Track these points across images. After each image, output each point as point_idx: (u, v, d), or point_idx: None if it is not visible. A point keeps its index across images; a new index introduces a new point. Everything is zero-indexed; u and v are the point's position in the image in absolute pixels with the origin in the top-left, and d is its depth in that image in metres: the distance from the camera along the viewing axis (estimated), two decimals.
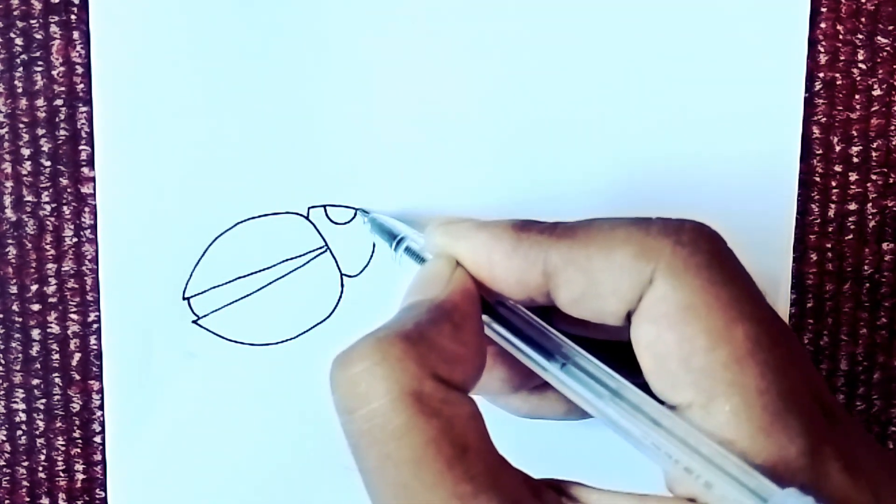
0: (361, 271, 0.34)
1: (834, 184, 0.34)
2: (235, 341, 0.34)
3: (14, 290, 0.34)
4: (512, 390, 0.29)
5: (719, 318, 0.23)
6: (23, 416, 0.34)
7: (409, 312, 0.24)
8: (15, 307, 0.34)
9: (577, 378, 0.24)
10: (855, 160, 0.34)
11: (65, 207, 0.33)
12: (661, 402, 0.23)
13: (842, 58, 0.34)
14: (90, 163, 0.33)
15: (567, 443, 0.34)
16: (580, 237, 0.24)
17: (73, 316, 0.34)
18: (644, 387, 0.24)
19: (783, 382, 0.22)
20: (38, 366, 0.34)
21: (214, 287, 0.33)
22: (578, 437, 0.34)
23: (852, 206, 0.34)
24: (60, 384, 0.34)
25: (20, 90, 0.33)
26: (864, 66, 0.34)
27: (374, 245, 0.33)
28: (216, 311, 0.33)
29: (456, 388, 0.23)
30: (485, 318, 0.26)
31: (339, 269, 0.34)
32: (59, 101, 0.33)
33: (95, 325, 0.34)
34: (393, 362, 0.22)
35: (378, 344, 0.22)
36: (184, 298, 0.33)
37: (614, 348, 0.26)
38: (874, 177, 0.34)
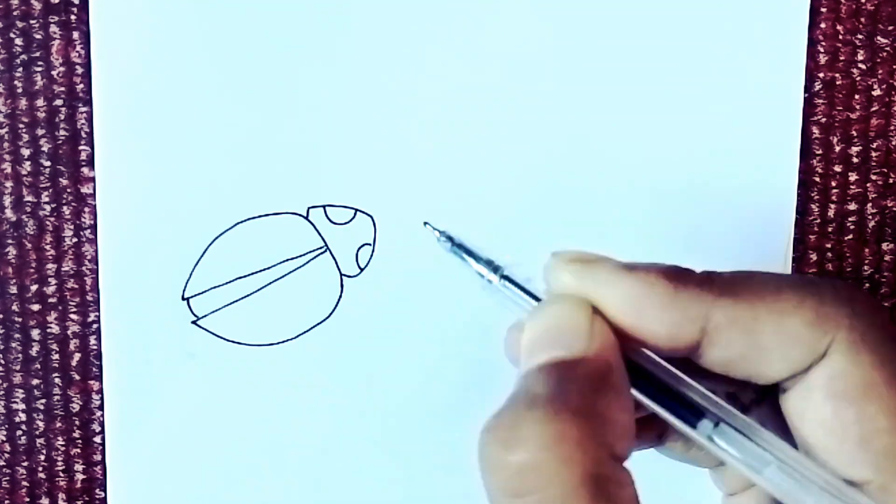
0: (361, 271, 0.34)
1: (834, 184, 0.34)
2: (235, 342, 0.34)
3: (14, 290, 0.34)
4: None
5: None
6: (23, 416, 0.34)
7: (559, 376, 0.22)
8: (15, 307, 0.34)
9: (733, 440, 0.23)
10: (855, 160, 0.34)
11: (65, 207, 0.33)
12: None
13: (842, 58, 0.34)
14: (90, 163, 0.33)
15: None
16: (744, 295, 0.23)
17: (73, 316, 0.34)
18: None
19: None
20: (38, 366, 0.34)
21: (214, 287, 0.33)
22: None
23: (852, 206, 0.34)
24: (60, 384, 0.34)
25: (20, 90, 0.33)
26: (863, 66, 0.34)
27: (373, 245, 0.33)
28: (216, 311, 0.33)
29: (621, 464, 0.21)
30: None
31: (338, 269, 0.34)
32: (59, 101, 0.33)
33: (95, 325, 0.34)
34: (572, 444, 0.20)
35: (550, 422, 0.20)
36: (183, 299, 0.33)
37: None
38: (874, 177, 0.34)
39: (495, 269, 0.25)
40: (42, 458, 0.34)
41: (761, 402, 0.25)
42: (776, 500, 0.26)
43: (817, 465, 0.22)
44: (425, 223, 0.27)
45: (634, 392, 0.23)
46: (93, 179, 0.33)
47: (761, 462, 0.22)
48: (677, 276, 0.23)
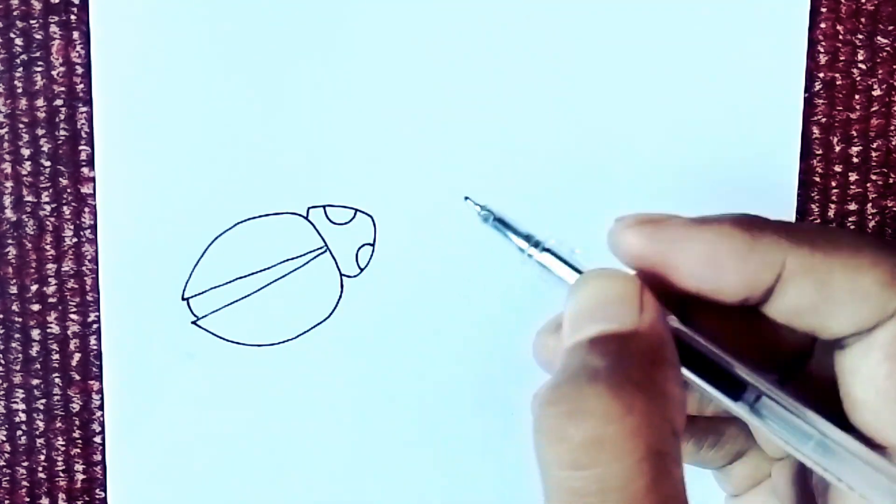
0: (361, 272, 0.34)
1: (834, 184, 0.34)
2: (235, 342, 0.34)
3: (14, 290, 0.34)
4: None
5: None
6: (23, 416, 0.34)
7: (615, 349, 0.21)
8: (15, 307, 0.34)
9: (774, 417, 0.22)
10: (855, 160, 0.34)
11: (65, 207, 0.33)
12: (864, 438, 0.23)
13: (842, 58, 0.34)
14: (90, 163, 0.33)
15: None
16: (822, 246, 0.22)
17: (73, 316, 0.34)
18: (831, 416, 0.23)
19: None
20: (38, 366, 0.34)
21: (214, 288, 0.33)
22: None
23: (852, 206, 0.34)
24: (60, 384, 0.34)
25: (20, 90, 0.33)
26: (863, 67, 0.34)
27: (373, 245, 0.33)
28: (215, 311, 0.33)
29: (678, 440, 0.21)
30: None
31: (338, 269, 0.34)
32: (59, 101, 0.33)
33: (95, 326, 0.34)
34: (640, 418, 0.20)
35: (618, 395, 0.20)
36: (183, 299, 0.33)
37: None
38: (874, 177, 0.34)
39: (536, 243, 0.25)
40: (42, 458, 0.34)
41: (790, 380, 0.25)
42: (780, 500, 0.26)
43: (855, 438, 0.22)
44: (466, 198, 0.26)
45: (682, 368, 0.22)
46: (93, 179, 0.33)
47: (802, 436, 0.22)
48: (754, 225, 0.23)
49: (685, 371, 0.22)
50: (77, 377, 0.34)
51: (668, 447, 0.20)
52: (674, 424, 0.20)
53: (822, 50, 0.33)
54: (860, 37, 0.33)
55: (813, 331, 0.23)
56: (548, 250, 0.25)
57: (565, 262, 0.24)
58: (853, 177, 0.34)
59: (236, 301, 0.33)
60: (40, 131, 0.33)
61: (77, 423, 0.34)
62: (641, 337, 0.21)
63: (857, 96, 0.34)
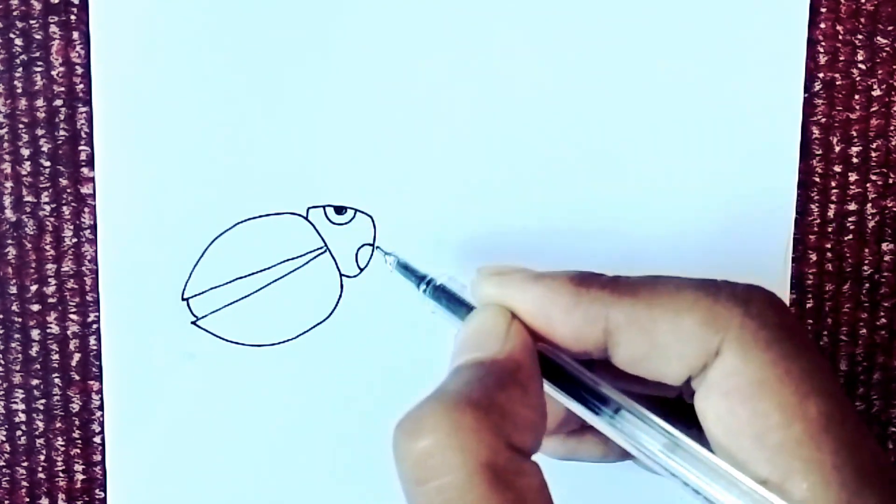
0: (361, 272, 0.34)
1: (833, 184, 0.34)
2: (235, 342, 0.34)
3: (14, 290, 0.34)
4: (547, 435, 0.28)
5: (792, 393, 0.22)
6: (23, 416, 0.34)
7: (470, 373, 0.23)
8: (15, 307, 0.34)
9: (631, 427, 0.24)
10: (854, 160, 0.34)
11: (65, 207, 0.33)
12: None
13: (841, 58, 0.34)
14: (90, 163, 0.33)
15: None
16: (643, 296, 0.24)
17: (73, 316, 0.34)
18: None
19: (857, 458, 0.22)
20: (38, 366, 0.34)
21: (214, 288, 0.33)
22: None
23: (852, 207, 0.34)
24: (60, 384, 0.34)
25: (20, 90, 0.33)
26: (863, 67, 0.34)
27: (373, 245, 0.33)
28: (215, 311, 0.33)
29: (526, 455, 0.22)
30: None
31: (338, 269, 0.34)
32: (58, 102, 0.33)
33: (95, 326, 0.34)
34: (467, 433, 0.21)
35: (449, 413, 0.21)
36: (183, 299, 0.33)
37: (665, 403, 0.25)
38: (874, 177, 0.34)
39: (428, 282, 0.29)
40: (42, 458, 0.34)
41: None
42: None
43: (713, 453, 0.23)
44: (377, 247, 0.32)
45: (547, 386, 0.25)
46: (93, 179, 0.33)
47: (653, 445, 0.23)
48: (581, 281, 0.24)
49: (553, 390, 0.25)
50: (77, 377, 0.34)
51: (503, 460, 0.21)
52: (511, 439, 0.22)
53: (822, 50, 0.33)
54: (860, 37, 0.34)
55: (657, 378, 0.24)
56: (441, 288, 0.28)
57: (459, 301, 0.28)
58: (853, 177, 0.34)
59: (236, 301, 0.33)
60: (40, 131, 0.33)
61: (77, 423, 0.34)
62: (497, 363, 0.23)
63: (856, 96, 0.34)
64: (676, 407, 0.25)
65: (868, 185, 0.34)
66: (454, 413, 0.21)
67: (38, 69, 0.33)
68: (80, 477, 0.34)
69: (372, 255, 0.33)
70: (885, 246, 0.34)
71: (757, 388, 0.22)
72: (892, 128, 0.34)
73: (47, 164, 0.33)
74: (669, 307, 0.23)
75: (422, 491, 0.21)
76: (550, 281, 0.25)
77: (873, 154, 0.34)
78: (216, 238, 0.33)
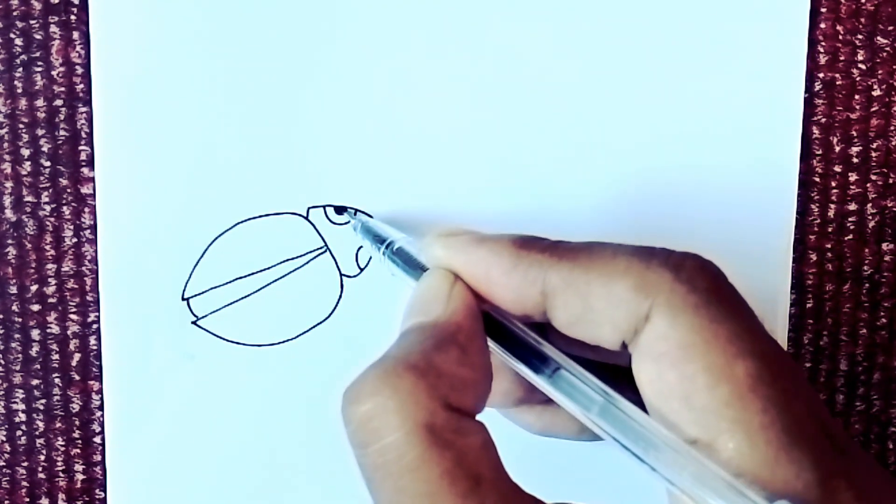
0: (361, 272, 0.34)
1: (834, 184, 0.34)
2: (235, 342, 0.34)
3: (14, 290, 0.34)
4: (515, 403, 0.29)
5: (719, 355, 0.22)
6: (23, 417, 0.34)
7: (412, 337, 0.24)
8: (15, 307, 0.34)
9: (569, 386, 0.24)
10: (855, 160, 0.34)
11: (65, 207, 0.33)
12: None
13: (842, 58, 0.34)
14: (90, 163, 0.33)
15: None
16: (581, 260, 0.24)
17: (73, 316, 0.34)
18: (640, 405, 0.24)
19: (787, 416, 0.22)
20: (38, 366, 0.34)
21: (214, 288, 0.33)
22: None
23: (852, 207, 0.34)
24: (60, 384, 0.34)
25: (20, 90, 0.33)
26: (863, 67, 0.34)
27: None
28: (215, 311, 0.33)
29: (467, 415, 0.23)
30: None
31: (338, 269, 0.34)
32: (58, 102, 0.33)
33: (95, 326, 0.34)
34: (404, 395, 0.22)
35: (387, 377, 0.22)
36: (183, 299, 0.33)
37: (614, 370, 0.25)
38: (874, 177, 0.34)
39: (388, 245, 0.29)
40: (42, 458, 0.34)
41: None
42: None
43: (638, 407, 0.23)
44: (354, 211, 0.32)
45: (491, 344, 0.25)
46: (93, 179, 0.33)
47: (589, 403, 0.24)
48: (521, 244, 0.25)
49: (497, 349, 0.25)
50: (77, 377, 0.34)
51: (441, 420, 0.22)
52: (448, 399, 0.22)
53: (822, 50, 0.33)
54: (860, 37, 0.34)
55: (590, 341, 0.25)
56: (397, 252, 0.29)
57: (409, 260, 0.28)
58: (853, 177, 0.34)
59: (236, 301, 0.33)
60: (40, 131, 0.33)
61: (77, 423, 0.34)
62: (437, 326, 0.24)
63: (856, 96, 0.34)
64: (627, 375, 0.25)
65: (868, 185, 0.34)
66: (392, 376, 0.22)
67: (38, 69, 0.33)
68: (80, 477, 0.34)
69: (371, 257, 0.33)
70: (885, 246, 0.34)
71: (684, 351, 0.23)
72: (892, 128, 0.34)
73: (47, 164, 0.33)
74: (604, 271, 0.24)
75: (365, 454, 0.22)
76: (493, 244, 0.25)
77: (873, 154, 0.34)
78: (216, 238, 0.33)
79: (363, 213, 0.33)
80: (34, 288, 0.34)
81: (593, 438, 0.29)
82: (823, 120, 0.34)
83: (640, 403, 0.24)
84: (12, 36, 0.33)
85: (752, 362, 0.22)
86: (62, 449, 0.34)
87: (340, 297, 0.34)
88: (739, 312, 0.24)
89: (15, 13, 0.33)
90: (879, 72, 0.34)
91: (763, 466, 0.22)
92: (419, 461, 0.21)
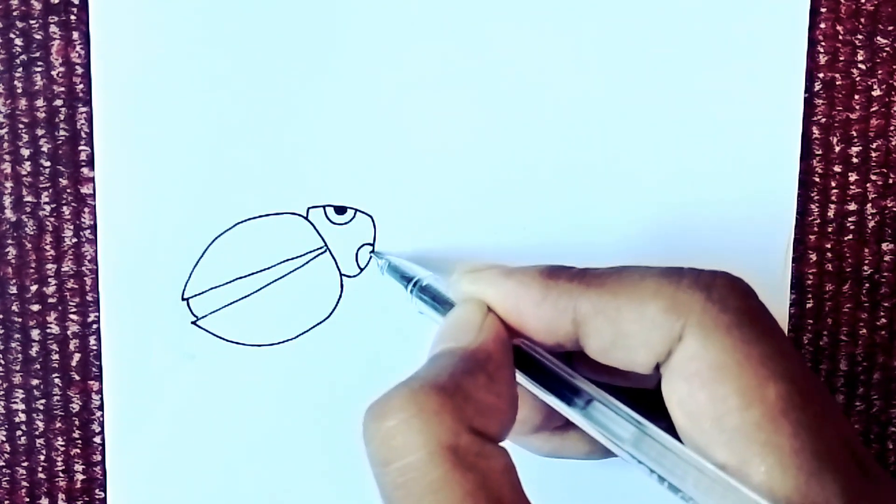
0: (361, 272, 0.34)
1: (834, 184, 0.34)
2: (235, 342, 0.34)
3: (14, 290, 0.34)
4: (532, 430, 0.29)
5: (751, 377, 0.22)
6: (23, 417, 0.34)
7: (441, 361, 0.24)
8: (15, 307, 0.34)
9: (602, 418, 0.24)
10: (854, 160, 0.34)
11: (65, 207, 0.33)
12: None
13: (841, 58, 0.34)
14: (90, 163, 0.33)
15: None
16: (609, 286, 0.24)
17: (73, 316, 0.34)
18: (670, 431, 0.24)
19: (818, 440, 0.22)
20: (38, 366, 0.34)
21: (214, 288, 0.33)
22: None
23: (852, 207, 0.34)
24: (60, 384, 0.34)
25: (20, 90, 0.33)
26: (863, 67, 0.34)
27: (373, 245, 0.33)
28: (215, 311, 0.33)
29: (490, 440, 0.23)
30: None
31: (338, 269, 0.34)
32: (58, 102, 0.33)
33: (95, 326, 0.34)
34: (429, 415, 0.22)
35: (414, 396, 0.22)
36: (183, 299, 0.33)
37: (641, 395, 0.25)
38: (874, 177, 0.34)
39: (415, 283, 0.30)
40: (42, 458, 0.34)
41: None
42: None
43: (680, 441, 0.23)
44: (373, 251, 0.33)
45: (524, 379, 0.25)
46: (93, 179, 0.33)
47: (622, 434, 0.24)
48: (550, 274, 0.25)
49: (529, 384, 0.25)
50: (77, 377, 0.34)
51: (465, 443, 0.22)
52: (473, 423, 0.22)
53: (822, 50, 0.33)
54: (860, 37, 0.34)
55: (623, 366, 0.25)
56: (424, 289, 0.29)
57: (436, 299, 0.29)
58: (853, 177, 0.34)
59: (236, 301, 0.33)
60: (40, 131, 0.33)
61: (77, 423, 0.34)
62: (468, 352, 0.24)
63: (856, 96, 0.34)
64: (656, 400, 0.25)
65: (868, 185, 0.34)
66: (419, 396, 0.22)
67: (38, 69, 0.33)
68: (80, 477, 0.34)
69: (371, 256, 0.33)
70: (885, 246, 0.34)
71: (716, 371, 0.23)
72: (892, 128, 0.34)
73: (47, 164, 0.33)
74: (634, 295, 0.24)
75: (386, 472, 0.22)
76: (521, 275, 0.26)
77: (873, 154, 0.34)
78: (216, 238, 0.33)
79: (363, 212, 0.33)
80: (34, 288, 0.34)
81: (600, 457, 0.29)
82: (823, 120, 0.34)
83: (668, 429, 0.24)
84: (12, 36, 0.33)
85: (784, 385, 0.22)
86: (62, 449, 0.34)
87: (340, 297, 0.34)
88: (771, 333, 0.24)
89: (15, 13, 0.33)
90: (879, 72, 0.34)
91: (794, 491, 0.22)
92: (441, 482, 0.21)
